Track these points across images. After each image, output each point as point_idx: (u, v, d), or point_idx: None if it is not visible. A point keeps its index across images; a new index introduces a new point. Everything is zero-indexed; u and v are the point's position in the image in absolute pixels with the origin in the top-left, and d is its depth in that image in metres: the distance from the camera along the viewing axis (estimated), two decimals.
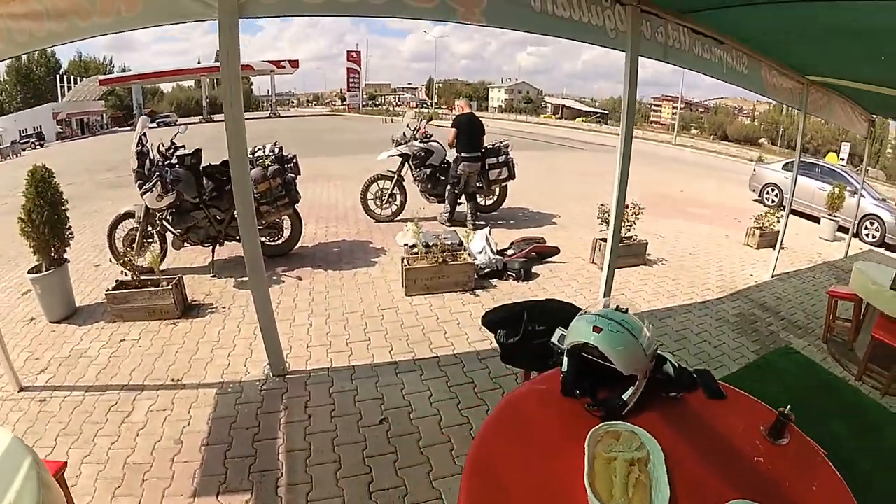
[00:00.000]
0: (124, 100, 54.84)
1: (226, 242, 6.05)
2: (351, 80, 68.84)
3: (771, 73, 5.55)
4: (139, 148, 5.32)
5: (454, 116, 8.01)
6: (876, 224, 10.73)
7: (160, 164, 5.50)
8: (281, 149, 6.17)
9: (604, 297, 4.73)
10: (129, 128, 43.98)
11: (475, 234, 6.22)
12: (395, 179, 8.22)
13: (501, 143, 8.44)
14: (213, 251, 5.98)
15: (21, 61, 50.28)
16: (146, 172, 5.30)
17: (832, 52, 4.68)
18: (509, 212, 9.22)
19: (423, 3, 3.21)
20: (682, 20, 4.19)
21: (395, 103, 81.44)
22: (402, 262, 5.53)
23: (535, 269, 6.33)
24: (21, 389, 3.66)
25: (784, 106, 62.33)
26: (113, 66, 62.45)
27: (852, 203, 10.17)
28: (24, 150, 30.77)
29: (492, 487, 1.48)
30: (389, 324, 4.78)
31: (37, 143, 34.95)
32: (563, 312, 3.25)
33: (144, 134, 5.43)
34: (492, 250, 6.14)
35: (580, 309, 3.35)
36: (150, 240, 5.76)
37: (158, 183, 5.25)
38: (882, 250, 10.28)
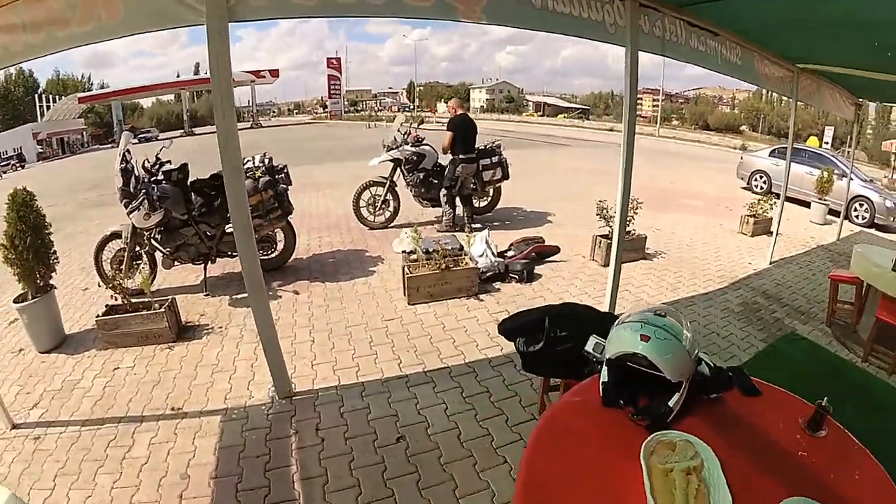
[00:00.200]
0: (104, 117, 54.16)
1: (217, 259, 5.85)
2: (332, 87, 68.43)
3: (763, 63, 5.60)
4: (123, 165, 5.09)
5: (448, 119, 7.85)
6: (865, 205, 10.96)
7: (146, 181, 5.28)
8: (271, 160, 5.99)
9: (609, 293, 4.64)
10: (110, 145, 43.57)
11: (475, 238, 6.07)
12: (387, 185, 8.05)
13: (494, 143, 8.31)
14: (205, 269, 5.77)
15: None
16: (132, 190, 5.08)
17: (824, 41, 4.77)
18: (503, 213, 9.10)
19: (421, 2, 3.10)
20: (680, 14, 4.18)
21: (377, 108, 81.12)
22: (403, 270, 5.37)
23: (536, 269, 6.20)
24: (14, 427, 3.46)
25: (764, 93, 63.37)
26: (91, 84, 61.85)
27: (841, 186, 10.31)
28: (4, 172, 30.46)
29: None
30: (395, 335, 4.62)
31: (17, 164, 34.54)
32: (585, 317, 3.14)
33: (128, 150, 5.20)
34: (492, 253, 6.00)
35: (599, 311, 3.27)
36: (139, 261, 5.55)
37: (145, 201, 5.05)
38: (872, 231, 10.48)
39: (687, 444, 1.54)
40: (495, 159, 8.05)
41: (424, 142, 8.16)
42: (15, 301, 4.50)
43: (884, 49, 4.27)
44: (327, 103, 72.65)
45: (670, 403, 1.72)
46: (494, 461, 3.04)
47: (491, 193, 8.71)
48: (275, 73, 51.97)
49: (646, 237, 7.14)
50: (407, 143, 8.00)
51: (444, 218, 7.79)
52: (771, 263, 7.04)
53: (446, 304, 5.22)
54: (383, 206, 8.17)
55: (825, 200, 10.39)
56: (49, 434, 3.38)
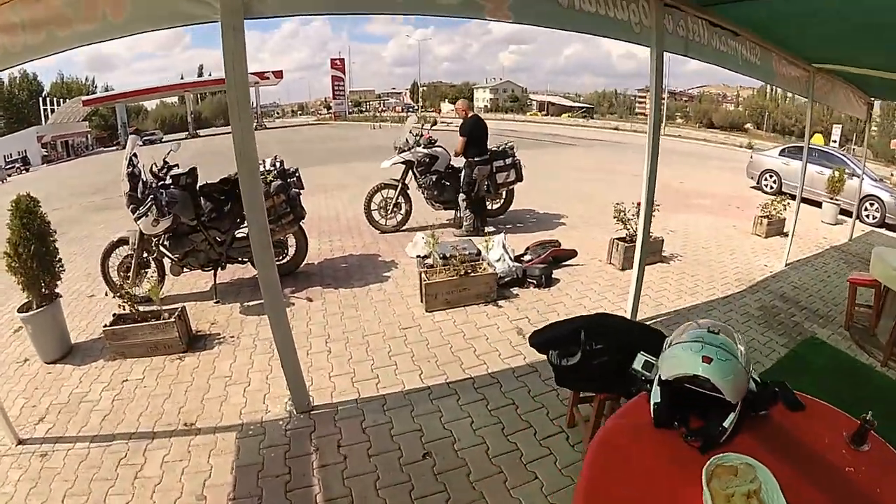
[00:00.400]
0: (108, 119, 54.31)
1: (227, 265, 5.69)
2: (336, 88, 68.57)
3: (781, 63, 5.61)
4: (130, 169, 4.92)
5: (461, 123, 7.64)
6: (875, 205, 10.86)
7: (154, 185, 5.12)
8: (282, 162, 5.82)
9: (631, 299, 4.56)
10: (114, 148, 43.68)
11: (493, 242, 5.90)
12: (399, 188, 7.88)
13: (507, 144, 8.16)
14: (215, 275, 5.60)
15: (2, 85, 49.94)
16: (139, 196, 4.91)
17: (842, 41, 4.75)
18: (516, 215, 8.94)
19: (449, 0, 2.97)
20: (702, 13, 4.17)
21: (380, 109, 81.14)
22: (420, 276, 5.20)
23: (553, 273, 6.03)
24: (20, 442, 3.32)
25: (768, 90, 63.33)
26: (95, 86, 61.84)
27: (852, 185, 10.25)
28: (9, 175, 30.56)
29: None
30: (414, 344, 4.45)
31: (22, 167, 34.62)
32: (619, 328, 2.99)
33: (135, 154, 5.02)
34: (510, 257, 5.84)
35: (632, 322, 3.13)
36: (147, 268, 5.41)
37: (153, 207, 4.88)
38: (883, 230, 10.37)
39: (748, 468, 1.51)
40: (509, 161, 7.90)
41: (437, 143, 7.98)
42: (19, 310, 4.36)
43: None
44: (331, 104, 72.96)
45: (725, 424, 1.69)
46: (525, 477, 2.90)
47: (503, 195, 8.54)
48: (279, 75, 51.97)
49: (662, 240, 7.01)
50: (419, 145, 7.82)
51: (465, 223, 7.59)
52: (787, 265, 6.93)
53: (465, 311, 5.06)
54: (395, 209, 7.99)
55: (836, 200, 10.25)
56: (56, 451, 3.24)
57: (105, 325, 4.38)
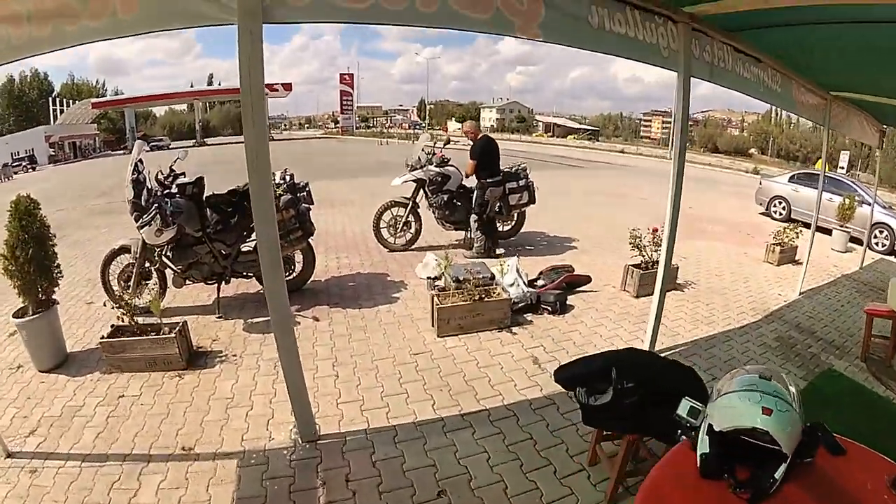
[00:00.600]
0: (117, 123, 54.59)
1: (232, 279, 5.51)
2: (344, 103, 69.01)
3: (800, 91, 5.64)
4: (135, 176, 4.75)
5: (471, 146, 7.50)
6: (885, 232, 10.78)
7: (159, 194, 4.93)
8: (292, 176, 5.67)
9: (650, 330, 4.41)
10: (121, 151, 43.83)
11: (507, 265, 5.72)
12: (409, 206, 7.73)
13: (519, 166, 8.02)
14: (219, 289, 5.40)
15: (13, 83, 50.25)
16: (143, 204, 4.73)
17: (865, 66, 4.73)
18: (526, 237, 8.77)
19: (478, 14, 2.86)
20: (727, 38, 4.17)
21: (387, 125, 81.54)
22: (432, 300, 5.01)
23: (567, 300, 5.85)
24: (9, 455, 3.16)
25: (773, 116, 63.67)
26: (106, 90, 62.13)
27: (862, 213, 10.25)
28: (15, 173, 30.79)
29: None
30: (425, 371, 4.26)
31: (29, 166, 34.74)
32: (652, 367, 2.81)
33: (140, 160, 4.85)
34: (524, 282, 5.66)
35: (661, 357, 2.94)
36: (148, 279, 5.23)
37: (157, 216, 4.69)
38: (892, 258, 10.34)
39: None
40: (521, 182, 7.75)
41: (450, 163, 7.83)
42: (14, 315, 4.20)
43: None
44: (339, 118, 73.35)
45: (776, 475, 1.64)
46: None
47: (515, 218, 8.40)
48: (288, 87, 52.31)
49: (677, 267, 6.88)
50: (431, 163, 7.68)
51: (476, 244, 7.43)
52: (800, 294, 6.84)
53: (478, 338, 4.87)
54: (404, 227, 7.84)
55: (847, 228, 10.17)
56: (47, 467, 3.07)
57: (102, 337, 4.21)
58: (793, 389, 1.71)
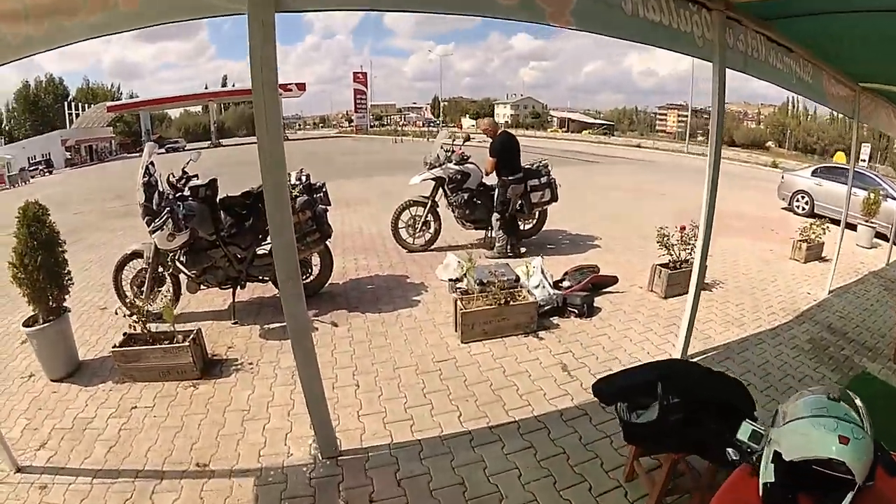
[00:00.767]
0: (132, 126, 55.22)
1: (247, 283, 5.36)
2: (358, 101, 69.06)
3: (830, 82, 5.50)
4: (146, 179, 4.61)
5: (490, 143, 7.29)
6: None
7: (171, 197, 4.78)
8: (308, 176, 5.49)
9: (683, 335, 4.26)
10: (137, 154, 44.01)
11: (532, 266, 5.50)
12: (428, 205, 7.54)
13: (541, 162, 7.77)
14: (234, 294, 5.26)
15: (29, 88, 51.00)
16: (155, 207, 4.58)
17: (890, 57, 4.53)
18: (548, 236, 8.54)
19: (506, 1, 2.68)
20: (761, 27, 4.07)
21: (401, 123, 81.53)
22: (456, 304, 4.80)
23: (594, 301, 5.63)
24: (18, 470, 3.06)
25: (790, 108, 62.84)
26: (121, 93, 62.88)
27: (887, 207, 9.96)
28: (32, 177, 31.35)
29: None
30: (450, 380, 4.06)
31: (45, 170, 35.35)
32: (698, 380, 2.59)
33: (152, 163, 4.71)
34: (549, 284, 5.44)
35: (706, 369, 2.72)
36: (162, 285, 5.08)
37: (169, 220, 4.54)
38: None
39: None
40: (543, 180, 7.49)
41: (469, 160, 7.63)
42: (25, 324, 4.09)
43: None
44: (353, 117, 73.50)
45: None
46: None
47: (536, 216, 8.16)
48: (301, 87, 52.49)
49: (706, 266, 6.55)
50: (450, 161, 7.48)
51: (497, 244, 7.25)
52: (830, 293, 6.60)
53: (503, 343, 4.66)
54: (423, 227, 7.65)
55: (872, 223, 9.84)
56: (57, 483, 2.96)
57: (115, 346, 4.08)
58: (862, 409, 1.63)
